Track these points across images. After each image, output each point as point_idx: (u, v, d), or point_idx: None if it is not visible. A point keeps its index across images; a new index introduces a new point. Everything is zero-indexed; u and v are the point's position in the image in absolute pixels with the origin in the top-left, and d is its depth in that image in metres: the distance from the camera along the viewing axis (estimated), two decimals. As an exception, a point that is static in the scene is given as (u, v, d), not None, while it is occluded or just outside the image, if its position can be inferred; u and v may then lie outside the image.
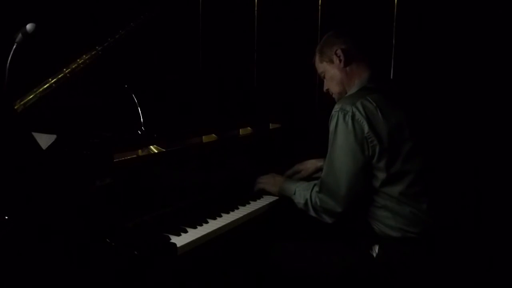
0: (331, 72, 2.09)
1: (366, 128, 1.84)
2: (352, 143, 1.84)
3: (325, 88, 2.16)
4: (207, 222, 1.90)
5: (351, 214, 1.91)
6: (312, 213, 1.99)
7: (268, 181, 2.25)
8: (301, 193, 2.04)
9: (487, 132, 2.63)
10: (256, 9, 3.21)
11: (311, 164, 2.47)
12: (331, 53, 2.07)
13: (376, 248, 1.92)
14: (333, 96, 2.13)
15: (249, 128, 2.52)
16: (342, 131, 1.86)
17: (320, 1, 3.01)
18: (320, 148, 2.39)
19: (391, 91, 2.01)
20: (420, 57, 2.75)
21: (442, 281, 1.87)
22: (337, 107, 1.91)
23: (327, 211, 1.92)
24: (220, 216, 1.99)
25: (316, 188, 1.97)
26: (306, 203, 2.00)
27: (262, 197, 2.25)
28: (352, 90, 2.02)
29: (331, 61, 2.07)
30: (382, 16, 2.81)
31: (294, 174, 2.48)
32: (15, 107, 1.95)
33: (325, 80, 2.15)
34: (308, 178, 2.45)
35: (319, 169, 2.43)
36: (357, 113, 1.85)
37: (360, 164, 1.85)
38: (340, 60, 2.04)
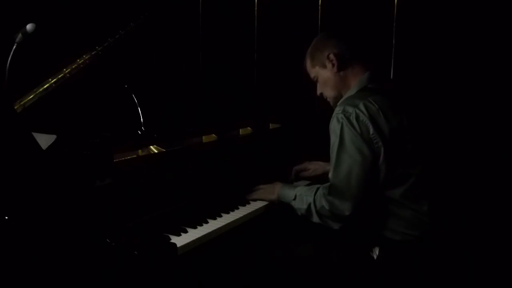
0: (324, 76, 2.05)
1: (371, 128, 1.82)
2: (360, 144, 1.81)
3: (318, 92, 2.12)
4: (207, 222, 1.90)
5: (357, 219, 1.86)
6: (315, 218, 1.92)
7: (265, 190, 2.18)
8: (302, 198, 1.97)
9: (487, 133, 2.63)
10: (256, 9, 3.21)
11: (321, 166, 2.47)
12: (323, 58, 2.03)
13: (376, 250, 1.91)
14: (328, 100, 2.10)
15: (249, 128, 2.52)
16: (348, 133, 1.83)
17: (320, 1, 3.01)
18: (320, 148, 2.39)
19: (392, 92, 1.99)
20: (420, 57, 2.75)
21: (443, 284, 1.87)
22: (338, 109, 1.88)
23: (335, 215, 1.85)
24: (220, 216, 1.98)
25: (324, 191, 1.89)
26: (308, 208, 1.93)
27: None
28: (351, 91, 1.99)
29: (324, 66, 2.03)
30: (382, 16, 2.81)
31: (301, 170, 2.49)
32: (15, 107, 1.95)
33: (318, 84, 2.11)
34: (312, 179, 2.47)
35: (326, 173, 2.42)
36: (360, 114, 1.82)
37: (369, 164, 1.82)
38: (333, 65, 2.01)
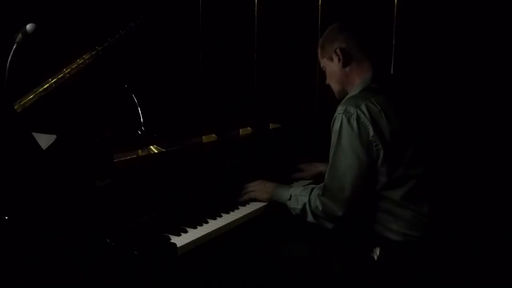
0: (330, 69, 2.05)
1: (371, 131, 1.81)
2: (358, 146, 1.81)
3: (327, 82, 2.12)
4: (207, 222, 1.90)
5: (351, 219, 1.87)
6: (310, 218, 1.93)
7: (258, 189, 2.16)
8: (297, 198, 1.98)
9: (488, 133, 2.63)
10: (256, 9, 3.21)
11: (315, 167, 2.48)
12: (331, 50, 2.01)
13: (377, 251, 1.90)
14: (334, 91, 2.09)
15: (249, 128, 2.52)
16: (347, 134, 1.82)
17: (320, 1, 3.01)
18: (320, 148, 2.39)
19: (395, 93, 1.98)
20: (420, 57, 2.75)
21: (443, 284, 1.86)
22: (340, 109, 1.87)
23: (329, 215, 1.87)
24: (220, 216, 1.98)
25: (318, 191, 1.91)
26: (303, 208, 1.94)
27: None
28: (355, 90, 1.98)
29: (331, 59, 2.02)
30: (382, 16, 2.81)
31: (296, 171, 2.50)
32: (15, 107, 1.95)
33: (326, 74, 2.11)
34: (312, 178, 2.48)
35: (321, 173, 2.43)
36: (362, 115, 1.81)
37: (365, 167, 1.81)
38: (339, 60, 1.99)
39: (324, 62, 2.08)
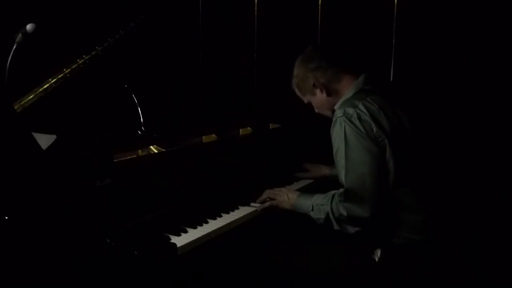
0: (317, 101, 2.07)
1: (374, 127, 1.80)
2: (367, 142, 1.79)
3: (317, 111, 2.14)
4: (207, 222, 1.90)
5: (377, 219, 1.82)
6: (335, 226, 1.88)
7: (281, 200, 2.10)
8: (320, 208, 1.92)
9: (489, 133, 2.63)
10: (256, 9, 3.21)
11: (320, 169, 2.49)
12: (309, 87, 2.03)
13: (378, 253, 1.90)
14: (327, 116, 2.09)
15: (249, 128, 2.52)
16: (353, 134, 1.81)
17: (320, 1, 3.01)
18: (320, 148, 2.39)
19: (390, 93, 1.99)
20: (420, 57, 2.75)
21: (444, 286, 1.86)
22: (339, 112, 1.86)
23: (355, 219, 1.82)
24: (220, 216, 1.98)
25: (339, 198, 1.85)
26: (327, 217, 1.89)
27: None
28: (348, 94, 1.98)
29: (313, 93, 2.05)
30: (382, 16, 2.81)
31: (301, 171, 2.52)
32: (15, 107, 1.95)
33: (314, 106, 2.12)
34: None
35: (325, 176, 2.45)
36: (362, 114, 1.81)
37: (379, 161, 1.80)
38: (321, 91, 2.02)
39: (307, 99, 2.10)
